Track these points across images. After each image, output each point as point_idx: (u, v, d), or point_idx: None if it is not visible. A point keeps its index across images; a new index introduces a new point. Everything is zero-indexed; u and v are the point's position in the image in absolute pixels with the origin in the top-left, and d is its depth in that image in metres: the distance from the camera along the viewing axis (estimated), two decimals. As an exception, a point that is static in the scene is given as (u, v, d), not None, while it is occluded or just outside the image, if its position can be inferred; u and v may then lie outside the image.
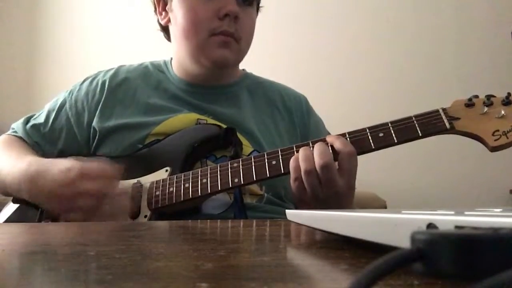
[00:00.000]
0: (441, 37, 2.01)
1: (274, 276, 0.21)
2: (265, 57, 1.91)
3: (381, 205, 1.61)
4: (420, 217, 0.17)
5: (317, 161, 0.64)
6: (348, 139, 0.68)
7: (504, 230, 0.13)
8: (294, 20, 2.15)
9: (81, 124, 0.89)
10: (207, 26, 0.82)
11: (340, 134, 0.69)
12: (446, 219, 0.16)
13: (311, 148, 0.67)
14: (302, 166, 0.65)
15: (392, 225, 0.19)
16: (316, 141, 0.69)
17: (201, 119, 0.85)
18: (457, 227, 0.15)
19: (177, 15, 0.85)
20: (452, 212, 0.19)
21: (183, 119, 0.85)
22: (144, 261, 0.25)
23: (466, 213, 0.19)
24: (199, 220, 0.64)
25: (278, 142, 0.86)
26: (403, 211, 0.23)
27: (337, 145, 0.66)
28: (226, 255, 0.27)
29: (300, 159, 0.66)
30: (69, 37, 2.42)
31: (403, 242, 0.17)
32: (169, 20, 0.89)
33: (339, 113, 1.77)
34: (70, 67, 2.33)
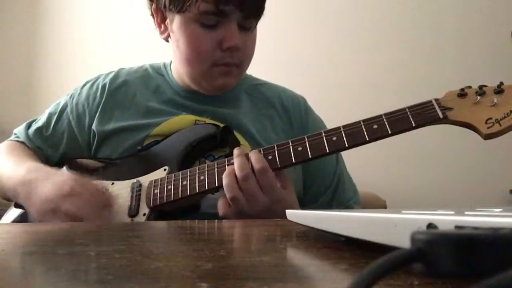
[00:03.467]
0: (441, 37, 2.01)
1: (274, 276, 0.21)
2: (265, 57, 1.91)
3: (381, 205, 1.61)
4: (420, 217, 0.17)
5: (237, 173, 0.67)
6: (343, 132, 0.69)
7: (504, 230, 0.13)
8: (294, 19, 2.15)
9: (82, 127, 0.90)
10: (210, 57, 0.82)
11: (335, 128, 0.70)
12: (446, 219, 0.16)
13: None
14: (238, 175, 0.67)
15: (392, 225, 0.19)
16: (312, 135, 0.70)
17: (199, 121, 0.86)
18: (457, 227, 0.15)
19: (179, 40, 0.84)
20: (452, 212, 0.19)
21: (181, 121, 0.85)
22: (144, 261, 0.25)
23: (466, 213, 0.19)
24: (198, 220, 0.64)
25: (276, 142, 0.87)
26: (403, 211, 0.23)
27: (252, 160, 0.69)
28: (226, 255, 0.27)
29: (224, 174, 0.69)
30: (69, 38, 2.42)
31: (403, 242, 0.17)
32: (168, 35, 0.88)
33: (340, 112, 1.77)
34: (70, 68, 2.34)
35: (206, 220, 0.65)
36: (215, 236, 0.43)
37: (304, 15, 2.15)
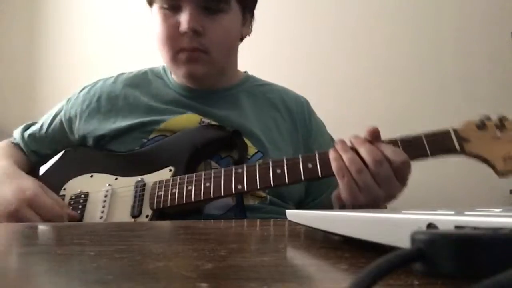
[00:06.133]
0: (441, 38, 2.00)
1: (274, 276, 0.21)
2: (265, 58, 1.91)
3: (381, 205, 1.60)
4: (420, 217, 0.17)
5: (368, 158, 0.62)
6: None
7: (504, 230, 0.13)
8: (294, 20, 2.15)
9: (72, 129, 0.90)
10: (172, 43, 0.81)
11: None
12: (446, 219, 0.16)
13: (349, 150, 0.65)
14: (352, 167, 0.63)
15: (392, 225, 0.19)
16: (323, 153, 0.68)
17: (203, 120, 0.85)
18: (457, 227, 0.15)
19: (154, 28, 0.84)
20: (452, 212, 0.19)
21: (187, 119, 0.85)
22: (144, 261, 0.25)
23: (466, 213, 0.18)
24: (198, 220, 0.64)
25: (280, 144, 0.86)
26: (403, 211, 0.23)
27: (388, 153, 0.63)
28: (226, 255, 0.27)
29: (346, 161, 0.63)
30: (69, 38, 2.42)
31: (403, 242, 0.17)
32: None
33: (340, 115, 1.77)
34: (70, 67, 2.33)
35: (206, 220, 0.64)
36: (215, 236, 0.43)
37: (303, 16, 2.15)
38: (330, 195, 0.88)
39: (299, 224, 0.36)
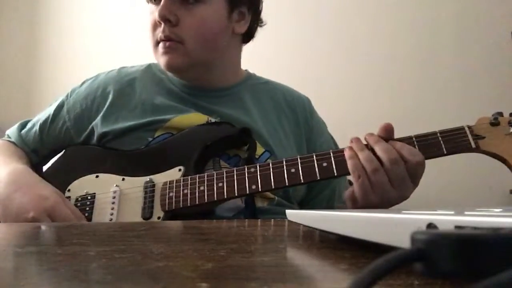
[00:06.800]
0: (441, 37, 2.00)
1: (274, 276, 0.21)
2: (266, 57, 1.91)
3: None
4: (420, 217, 0.17)
5: (384, 156, 0.61)
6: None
7: (504, 230, 0.13)
8: (294, 20, 2.15)
9: (79, 128, 0.88)
10: (152, 34, 0.83)
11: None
12: (446, 219, 0.16)
13: (364, 149, 0.64)
14: (368, 166, 0.62)
15: (392, 225, 0.19)
16: (337, 151, 0.67)
17: (210, 119, 0.84)
18: (457, 227, 0.15)
19: None
20: (452, 212, 0.19)
21: (193, 118, 0.83)
22: (144, 261, 0.25)
23: (466, 213, 0.18)
24: (199, 220, 0.64)
25: (285, 142, 0.86)
26: (403, 211, 0.23)
27: (405, 153, 0.63)
28: (226, 255, 0.27)
29: (362, 160, 0.62)
30: (69, 37, 2.42)
31: (403, 242, 0.17)
32: None
33: (340, 115, 1.77)
34: (70, 67, 2.33)
35: (206, 220, 0.64)
36: (215, 236, 0.43)
37: (304, 15, 2.15)
38: (331, 192, 0.88)
39: (299, 224, 0.36)
